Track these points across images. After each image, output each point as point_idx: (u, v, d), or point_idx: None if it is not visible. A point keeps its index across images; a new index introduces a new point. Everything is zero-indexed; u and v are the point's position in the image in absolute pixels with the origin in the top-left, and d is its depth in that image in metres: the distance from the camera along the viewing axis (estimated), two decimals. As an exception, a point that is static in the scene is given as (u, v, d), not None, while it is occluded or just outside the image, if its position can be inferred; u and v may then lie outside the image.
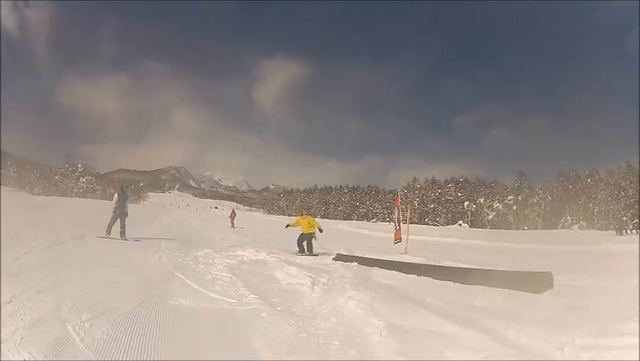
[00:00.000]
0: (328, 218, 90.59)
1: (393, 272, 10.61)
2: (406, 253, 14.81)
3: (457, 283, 9.19)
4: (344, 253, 14.05)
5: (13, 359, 3.92)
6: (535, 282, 8.61)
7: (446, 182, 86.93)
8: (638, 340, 4.56)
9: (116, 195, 16.58)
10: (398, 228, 16.10)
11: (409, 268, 10.93)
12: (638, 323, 5.08)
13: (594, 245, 28.68)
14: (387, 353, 4.47)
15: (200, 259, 11.44)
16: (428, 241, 28.98)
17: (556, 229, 63.27)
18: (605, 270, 13.17)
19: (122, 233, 15.51)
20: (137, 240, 15.31)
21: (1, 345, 4.16)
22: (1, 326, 4.61)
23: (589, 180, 69.90)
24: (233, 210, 38.23)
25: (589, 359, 4.30)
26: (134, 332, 4.93)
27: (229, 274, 9.21)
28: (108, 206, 17.09)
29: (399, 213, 16.72)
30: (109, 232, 15.44)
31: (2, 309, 5.16)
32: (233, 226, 32.77)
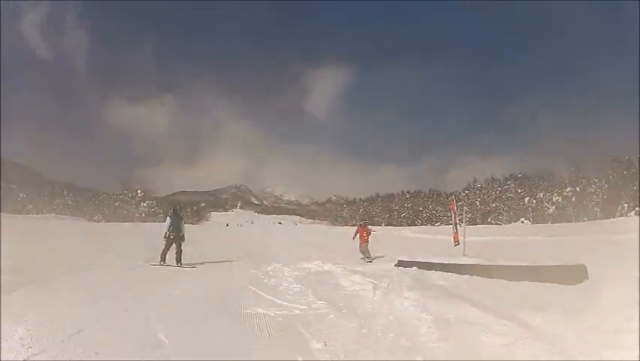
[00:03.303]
0: (392, 225, 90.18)
1: (448, 274, 11.41)
2: (465, 255, 15.42)
3: (502, 280, 9.95)
4: (404, 259, 14.58)
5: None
6: (570, 274, 9.52)
7: (505, 179, 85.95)
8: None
9: (168, 219, 15.30)
10: (455, 231, 16.63)
11: (463, 269, 11.66)
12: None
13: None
14: (432, 340, 5.44)
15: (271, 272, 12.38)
16: (489, 241, 29.32)
17: (614, 217, 60.92)
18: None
19: (178, 259, 14.37)
20: (192, 266, 14.26)
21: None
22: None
23: (640, 162, 67.04)
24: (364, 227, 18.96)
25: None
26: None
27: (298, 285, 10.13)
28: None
29: (454, 216, 17.23)
30: (163, 258, 14.35)
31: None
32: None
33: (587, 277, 9.50)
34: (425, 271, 12.23)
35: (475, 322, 6.09)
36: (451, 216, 17.88)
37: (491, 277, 10.40)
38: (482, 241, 28.76)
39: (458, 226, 16.69)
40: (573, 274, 9.53)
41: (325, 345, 5.44)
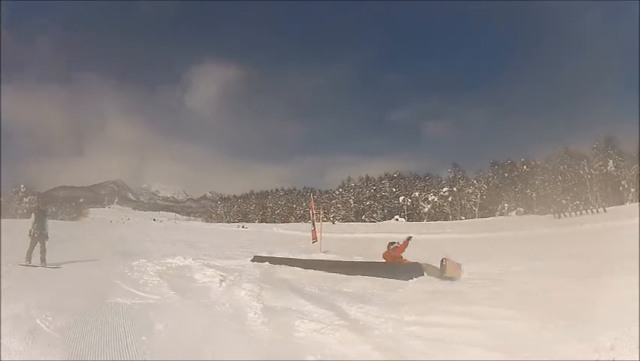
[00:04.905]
0: (266, 222, 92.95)
1: (296, 268, 12.58)
2: (323, 252, 16.55)
3: (343, 275, 11.08)
4: (261, 255, 15.53)
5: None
6: (407, 271, 10.57)
7: (380, 178, 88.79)
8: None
9: (32, 215, 14.65)
10: (313, 228, 17.67)
11: (310, 264, 12.94)
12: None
13: (520, 231, 31.03)
14: (256, 324, 6.52)
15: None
16: (355, 238, 30.80)
17: (493, 216, 65.10)
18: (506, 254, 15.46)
19: (43, 259, 13.58)
20: (57, 266, 13.43)
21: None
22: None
23: (525, 167, 71.73)
24: None
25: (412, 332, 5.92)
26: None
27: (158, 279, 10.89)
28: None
29: (313, 214, 18.29)
30: (29, 258, 13.54)
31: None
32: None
33: (421, 274, 10.46)
34: (277, 265, 13.26)
35: (297, 310, 7.14)
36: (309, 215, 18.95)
37: (334, 272, 11.50)
38: (349, 238, 30.32)
39: (316, 223, 17.91)
40: (409, 271, 10.51)
41: (166, 327, 6.31)
